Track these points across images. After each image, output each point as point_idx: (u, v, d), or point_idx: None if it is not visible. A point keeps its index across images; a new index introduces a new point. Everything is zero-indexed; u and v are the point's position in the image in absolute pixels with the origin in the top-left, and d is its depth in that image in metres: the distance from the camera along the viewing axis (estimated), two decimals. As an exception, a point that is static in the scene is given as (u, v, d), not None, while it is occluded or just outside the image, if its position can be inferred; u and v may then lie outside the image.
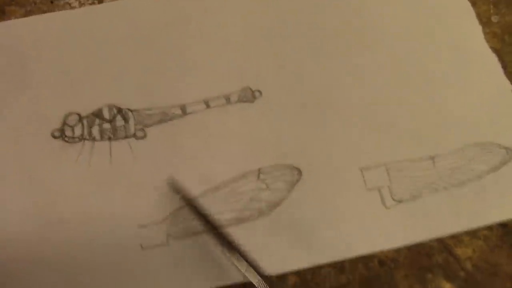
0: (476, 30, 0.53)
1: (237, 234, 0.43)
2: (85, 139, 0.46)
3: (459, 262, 0.44)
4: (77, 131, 0.45)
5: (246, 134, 0.46)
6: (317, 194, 0.45)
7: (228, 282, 0.42)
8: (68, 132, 0.45)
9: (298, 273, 0.43)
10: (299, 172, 0.45)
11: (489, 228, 0.45)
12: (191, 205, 0.42)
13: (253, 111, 0.47)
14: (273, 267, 0.42)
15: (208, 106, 0.47)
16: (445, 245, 0.44)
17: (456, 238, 0.45)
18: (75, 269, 0.42)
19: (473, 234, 0.45)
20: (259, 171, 0.45)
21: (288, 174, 0.45)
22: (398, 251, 0.44)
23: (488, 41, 0.51)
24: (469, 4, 0.53)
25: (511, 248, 0.44)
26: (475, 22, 0.53)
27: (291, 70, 0.49)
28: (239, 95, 0.47)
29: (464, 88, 0.50)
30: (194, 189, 0.45)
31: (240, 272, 0.40)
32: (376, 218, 0.44)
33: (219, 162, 0.46)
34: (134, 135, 0.46)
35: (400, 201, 0.45)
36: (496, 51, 0.51)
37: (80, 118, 0.46)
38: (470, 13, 0.53)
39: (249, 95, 0.47)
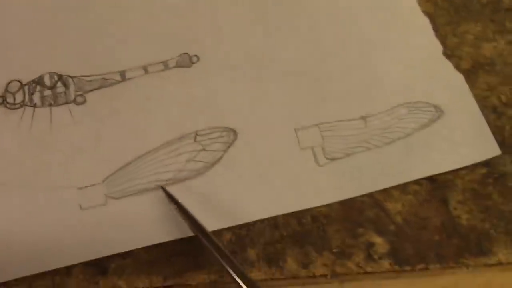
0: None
1: (175, 193, 0.44)
2: (26, 105, 0.46)
3: (390, 216, 0.45)
4: (18, 98, 0.46)
5: (183, 98, 0.48)
6: (252, 154, 0.46)
7: (165, 240, 0.43)
8: (9, 99, 0.46)
9: (233, 230, 0.44)
10: (235, 133, 0.46)
11: (419, 183, 0.47)
12: (184, 212, 0.43)
13: (190, 76, 0.48)
14: (209, 224, 0.43)
15: (146, 71, 0.48)
16: (375, 200, 0.45)
17: (386, 193, 0.46)
18: (14, 230, 0.43)
19: (403, 189, 0.46)
20: (196, 133, 0.46)
21: (224, 135, 0.46)
22: (330, 207, 0.45)
23: (421, 5, 0.53)
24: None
25: (440, 203, 0.46)
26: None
27: (228, 33, 0.51)
28: (177, 60, 0.48)
29: (396, 50, 0.51)
30: (132, 151, 0.46)
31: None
32: (310, 176, 0.46)
33: (157, 125, 0.47)
34: (74, 101, 0.47)
35: (332, 159, 0.46)
36: (428, 14, 0.53)
37: (22, 85, 0.46)
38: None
39: (187, 60, 0.48)
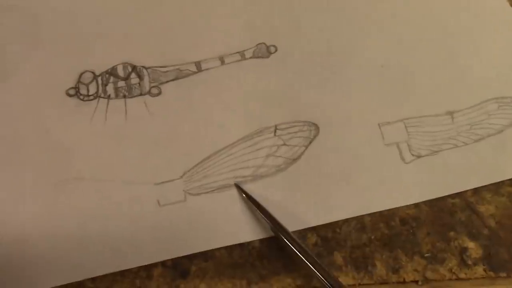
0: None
1: (254, 190, 0.43)
2: (100, 97, 0.45)
3: (482, 220, 0.43)
4: (92, 89, 0.45)
5: (262, 90, 0.46)
6: (334, 150, 0.45)
7: (244, 240, 0.42)
8: (83, 90, 0.45)
9: (318, 232, 0.43)
10: (317, 127, 0.44)
11: (512, 184, 0.43)
12: (262, 211, 0.42)
13: (268, 67, 0.47)
14: (291, 224, 0.42)
15: (223, 62, 0.46)
16: (467, 202, 0.44)
17: (478, 195, 0.44)
18: (92, 227, 0.42)
19: (495, 191, 0.44)
20: (276, 127, 0.44)
21: (305, 130, 0.44)
22: (419, 209, 0.43)
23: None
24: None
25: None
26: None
27: (306, 24, 0.49)
28: (254, 51, 0.46)
29: (483, 43, 0.49)
30: (209, 145, 0.45)
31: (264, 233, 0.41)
32: (395, 173, 0.44)
33: (235, 118, 0.45)
34: (149, 93, 0.45)
35: (418, 156, 0.44)
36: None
37: (95, 76, 0.45)
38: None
39: (264, 51, 0.46)
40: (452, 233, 0.42)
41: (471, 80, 0.47)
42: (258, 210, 0.41)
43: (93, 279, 0.41)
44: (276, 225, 0.40)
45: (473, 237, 0.42)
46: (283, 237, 0.40)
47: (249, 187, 0.43)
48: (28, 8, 0.48)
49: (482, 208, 0.43)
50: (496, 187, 0.43)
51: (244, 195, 0.43)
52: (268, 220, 0.41)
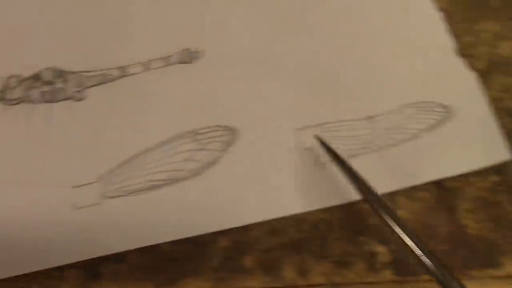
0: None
1: (170, 194, 0.43)
2: (24, 101, 0.45)
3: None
4: (16, 94, 0.45)
5: (184, 95, 0.46)
6: (251, 154, 0.45)
7: (158, 241, 0.42)
8: (8, 95, 0.45)
9: (229, 236, 0.43)
10: (236, 132, 0.45)
11: (426, 189, 0.45)
12: (338, 160, 0.42)
13: (192, 72, 0.47)
14: (203, 227, 0.42)
15: (147, 67, 0.46)
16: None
17: (392, 200, 0.44)
18: (5, 231, 0.42)
19: (409, 196, 0.44)
20: (195, 132, 0.44)
21: (225, 135, 0.45)
22: (331, 213, 0.44)
23: (436, 1, 0.50)
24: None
25: (448, 210, 0.44)
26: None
27: (232, 28, 0.49)
28: (179, 56, 0.47)
29: (406, 47, 0.49)
30: (129, 149, 0.45)
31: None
32: (310, 178, 0.44)
33: (156, 123, 0.46)
34: (74, 97, 0.45)
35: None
36: (443, 10, 0.50)
37: (20, 81, 0.45)
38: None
39: (189, 56, 0.47)
40: (362, 238, 0.42)
41: (391, 84, 0.47)
42: (343, 169, 0.42)
43: (3, 281, 0.40)
44: (364, 187, 0.40)
45: (383, 242, 0.42)
46: (371, 202, 0.40)
47: (165, 191, 0.43)
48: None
49: (395, 213, 0.42)
50: (409, 192, 0.43)
51: (328, 151, 0.43)
52: (354, 181, 0.41)
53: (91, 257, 0.42)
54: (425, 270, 0.36)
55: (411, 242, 0.37)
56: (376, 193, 0.40)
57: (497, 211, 0.44)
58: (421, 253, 0.37)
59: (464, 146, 0.46)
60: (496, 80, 0.47)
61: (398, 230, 0.38)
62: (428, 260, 0.36)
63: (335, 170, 0.44)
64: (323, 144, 0.44)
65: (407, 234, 0.38)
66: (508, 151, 0.45)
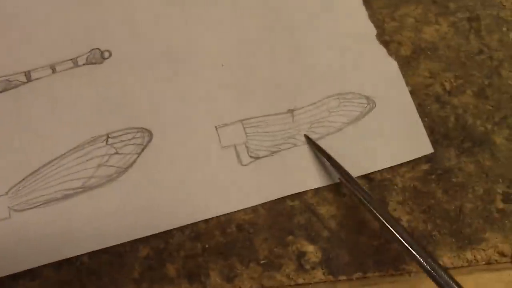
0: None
1: (83, 203, 0.41)
2: None
3: (322, 222, 0.41)
4: None
5: (94, 98, 0.44)
6: (168, 156, 0.43)
7: (73, 254, 0.40)
8: None
9: (150, 244, 0.40)
10: (150, 134, 0.42)
11: (354, 183, 0.41)
12: (329, 158, 0.41)
13: (101, 73, 0.44)
14: (121, 236, 0.40)
15: (54, 70, 0.43)
16: (307, 204, 0.42)
17: (319, 196, 0.42)
18: None
19: (337, 191, 0.42)
20: (108, 136, 0.42)
21: (138, 136, 0.42)
22: (257, 214, 0.41)
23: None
24: None
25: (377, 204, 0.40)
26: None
27: (142, 28, 0.46)
28: (87, 57, 0.44)
29: (326, 36, 0.47)
30: (38, 158, 0.42)
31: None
32: (232, 176, 0.42)
33: (66, 129, 0.43)
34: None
35: (257, 158, 0.42)
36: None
37: None
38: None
39: (98, 56, 0.44)
40: (290, 237, 0.41)
41: (313, 76, 0.46)
42: (327, 161, 0.41)
43: None
44: (345, 175, 0.40)
45: (312, 240, 0.40)
46: (352, 188, 0.39)
47: (78, 200, 0.41)
48: None
49: (322, 210, 0.41)
50: (337, 187, 0.41)
51: (313, 145, 0.43)
52: (337, 170, 0.41)
53: (2, 275, 0.39)
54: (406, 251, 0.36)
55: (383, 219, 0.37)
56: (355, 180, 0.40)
57: (429, 201, 0.42)
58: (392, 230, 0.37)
59: (388, 139, 0.45)
60: (422, 66, 0.45)
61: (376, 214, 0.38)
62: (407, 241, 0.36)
63: (259, 167, 0.42)
64: (308, 138, 0.44)
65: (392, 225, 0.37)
66: (429, 144, 0.44)
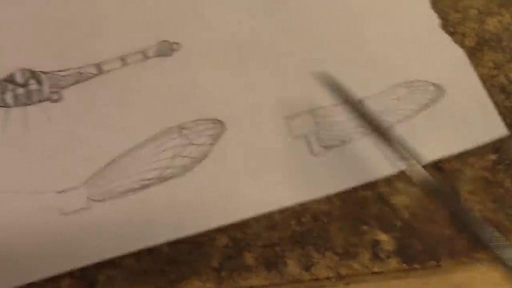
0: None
1: (160, 193, 0.41)
2: (-2, 105, 0.42)
3: (395, 211, 0.42)
4: (-12, 98, 0.42)
5: (165, 89, 0.44)
6: (241, 146, 0.43)
7: (154, 243, 0.40)
8: (-22, 99, 0.42)
9: (227, 234, 0.41)
10: (223, 124, 0.43)
11: (426, 173, 0.42)
12: (348, 102, 0.42)
13: (171, 65, 0.45)
14: (199, 225, 0.41)
15: (124, 62, 0.44)
16: (379, 194, 0.42)
17: (391, 186, 0.43)
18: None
19: (408, 181, 0.43)
20: (181, 127, 0.42)
21: (211, 127, 0.43)
22: (331, 204, 0.42)
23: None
24: None
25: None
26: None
27: (210, 17, 0.47)
28: (157, 49, 0.45)
29: (391, 25, 0.48)
30: (113, 149, 0.43)
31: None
32: (304, 166, 0.43)
33: (139, 120, 0.44)
34: (49, 98, 0.43)
35: (328, 148, 0.43)
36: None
37: (-9, 84, 0.42)
38: None
39: (167, 48, 0.45)
40: (364, 227, 0.41)
41: (379, 65, 0.46)
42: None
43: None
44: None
45: (385, 229, 0.41)
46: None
47: (155, 190, 0.42)
48: None
49: (395, 200, 0.42)
50: (408, 177, 0.41)
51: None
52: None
53: (84, 265, 0.40)
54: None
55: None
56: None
57: (499, 190, 0.42)
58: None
59: (459, 124, 0.45)
60: (486, 57, 0.46)
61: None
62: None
63: (330, 157, 0.42)
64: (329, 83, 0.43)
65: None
66: (503, 126, 0.43)
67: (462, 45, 0.46)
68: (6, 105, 0.43)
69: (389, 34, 0.47)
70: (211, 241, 0.41)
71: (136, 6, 0.47)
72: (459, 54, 0.47)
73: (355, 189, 0.42)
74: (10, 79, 0.43)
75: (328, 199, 0.42)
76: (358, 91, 0.45)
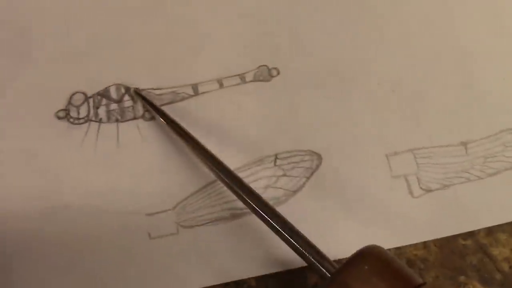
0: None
1: (251, 224, 0.41)
2: (91, 120, 0.43)
3: (495, 264, 0.40)
4: (83, 112, 0.43)
5: (262, 116, 0.44)
6: (337, 182, 0.42)
7: (242, 277, 0.40)
8: (73, 113, 0.42)
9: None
10: (319, 157, 0.42)
11: (530, 226, 0.40)
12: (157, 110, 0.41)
13: (269, 91, 0.44)
14: (291, 261, 0.40)
15: (221, 85, 0.43)
16: (480, 244, 0.41)
17: (492, 236, 0.41)
18: (79, 257, 0.40)
19: (511, 232, 0.41)
20: (276, 156, 0.42)
21: (307, 160, 0.42)
22: (428, 250, 0.41)
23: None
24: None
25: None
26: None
27: (311, 46, 0.46)
28: (255, 73, 0.44)
29: (501, 65, 0.46)
30: (205, 174, 0.42)
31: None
32: (402, 208, 0.42)
33: (233, 146, 0.43)
34: (143, 116, 0.43)
35: (428, 190, 0.42)
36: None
37: (86, 98, 0.43)
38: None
39: (265, 74, 0.44)
40: (462, 277, 0.40)
41: (488, 108, 0.44)
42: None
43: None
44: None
45: (485, 282, 0.40)
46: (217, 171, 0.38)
47: (247, 219, 0.41)
48: (19, 23, 0.45)
49: (495, 251, 0.40)
50: (511, 228, 0.39)
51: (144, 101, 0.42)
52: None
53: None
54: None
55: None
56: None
57: None
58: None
59: None
60: None
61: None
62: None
63: (430, 201, 0.41)
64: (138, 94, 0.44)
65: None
66: None
67: None
68: (99, 120, 0.42)
69: (500, 74, 0.46)
70: (302, 279, 0.40)
71: (237, 28, 0.46)
72: None
73: (454, 236, 0.40)
74: (105, 94, 0.43)
75: (425, 244, 0.40)
76: (465, 133, 0.44)
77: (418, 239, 0.41)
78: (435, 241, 0.41)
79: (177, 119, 0.42)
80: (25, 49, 0.45)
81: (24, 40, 0.45)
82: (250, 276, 0.40)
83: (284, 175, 0.42)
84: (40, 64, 0.45)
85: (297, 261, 0.39)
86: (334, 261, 0.36)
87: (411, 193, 0.41)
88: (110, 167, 0.42)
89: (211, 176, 0.42)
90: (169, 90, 0.44)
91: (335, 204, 0.41)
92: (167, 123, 0.41)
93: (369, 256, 0.32)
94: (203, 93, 0.44)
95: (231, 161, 0.41)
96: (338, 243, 0.40)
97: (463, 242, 0.40)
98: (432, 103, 0.44)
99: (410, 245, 0.41)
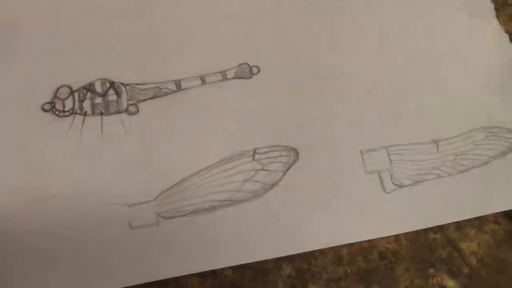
0: (488, 11, 0.50)
1: (229, 216, 0.42)
2: (76, 113, 0.44)
3: (464, 257, 0.41)
4: (68, 105, 0.43)
5: (242, 112, 0.44)
6: (313, 176, 0.43)
7: (219, 266, 0.41)
8: (58, 106, 0.43)
9: (293, 263, 0.41)
10: (296, 153, 0.43)
11: (497, 222, 0.43)
12: None
13: (249, 88, 0.45)
14: (265, 252, 0.41)
15: (203, 82, 0.45)
16: (449, 238, 0.42)
17: (461, 231, 0.43)
18: (62, 246, 0.41)
19: (479, 227, 0.43)
20: (255, 151, 0.43)
21: (285, 155, 0.43)
22: (399, 244, 0.42)
23: (503, 24, 0.48)
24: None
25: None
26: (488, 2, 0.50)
27: (291, 45, 0.47)
28: (236, 71, 0.45)
29: (473, 68, 0.47)
30: (186, 167, 0.43)
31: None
32: (375, 203, 0.43)
33: (213, 140, 0.44)
34: (127, 110, 0.44)
35: (400, 186, 0.43)
36: (509, 33, 0.48)
37: (72, 92, 0.44)
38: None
39: (246, 71, 0.45)
40: (431, 270, 0.41)
41: (459, 107, 0.46)
42: None
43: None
44: None
45: (453, 275, 0.41)
46: None
47: (224, 212, 0.42)
48: (7, 21, 0.46)
49: (464, 245, 0.41)
50: (480, 224, 0.42)
51: None
52: None
53: (148, 281, 0.40)
54: None
55: None
56: None
57: None
58: None
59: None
60: None
61: None
62: None
63: (402, 196, 0.42)
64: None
65: None
66: None
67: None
68: (83, 113, 0.43)
69: (471, 77, 0.47)
70: (276, 269, 0.41)
71: (220, 27, 0.48)
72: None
73: (424, 230, 0.42)
74: (90, 88, 0.44)
75: (397, 238, 0.42)
76: (436, 132, 0.45)
77: (389, 232, 0.42)
78: (406, 235, 0.42)
79: (159, 114, 0.43)
80: (12, 45, 0.46)
81: (11, 36, 0.46)
82: (228, 265, 0.41)
83: (262, 169, 0.42)
84: (27, 59, 0.46)
85: (273, 252, 0.40)
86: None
87: (384, 188, 0.43)
88: (93, 159, 0.43)
89: (192, 168, 0.42)
90: (153, 85, 0.45)
91: (311, 198, 0.42)
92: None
93: None
94: (186, 88, 0.45)
95: (212, 155, 0.43)
96: (313, 235, 0.41)
97: (433, 236, 0.42)
98: (406, 103, 0.45)
99: (382, 238, 0.41)
